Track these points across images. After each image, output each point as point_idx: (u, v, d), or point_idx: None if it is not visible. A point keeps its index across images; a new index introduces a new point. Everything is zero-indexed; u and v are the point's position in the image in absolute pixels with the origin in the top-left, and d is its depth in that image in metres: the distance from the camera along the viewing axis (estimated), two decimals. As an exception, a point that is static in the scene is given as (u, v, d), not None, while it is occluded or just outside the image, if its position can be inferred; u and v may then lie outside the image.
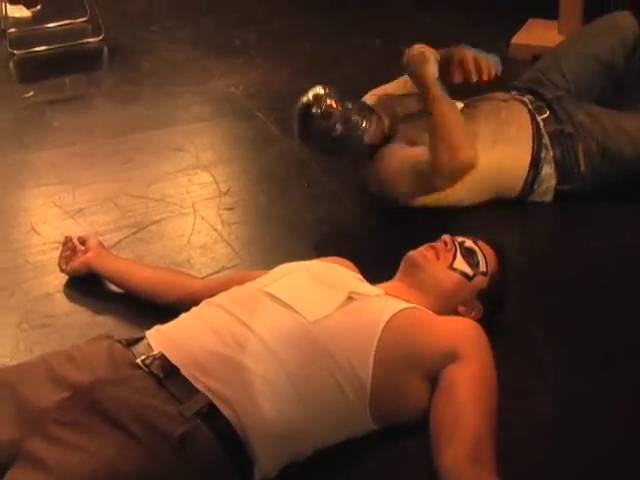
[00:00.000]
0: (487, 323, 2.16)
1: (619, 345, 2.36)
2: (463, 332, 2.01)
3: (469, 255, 2.27)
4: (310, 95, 2.88)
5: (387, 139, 3.00)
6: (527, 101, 3.12)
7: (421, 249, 2.28)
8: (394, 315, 1.98)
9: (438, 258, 2.25)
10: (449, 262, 2.24)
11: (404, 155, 2.93)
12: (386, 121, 3.01)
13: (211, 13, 5.41)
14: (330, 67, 4.42)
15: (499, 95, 3.14)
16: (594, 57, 3.22)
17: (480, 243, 2.32)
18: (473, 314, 2.23)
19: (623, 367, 2.28)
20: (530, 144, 3.01)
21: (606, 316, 2.47)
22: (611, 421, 2.09)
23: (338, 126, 2.86)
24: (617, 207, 2.99)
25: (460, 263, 2.25)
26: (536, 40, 4.44)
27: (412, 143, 2.95)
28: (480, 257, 2.28)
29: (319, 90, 2.89)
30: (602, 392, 2.19)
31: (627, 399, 2.17)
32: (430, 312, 2.11)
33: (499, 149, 2.96)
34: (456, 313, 2.22)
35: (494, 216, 2.63)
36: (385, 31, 4.84)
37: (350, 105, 2.89)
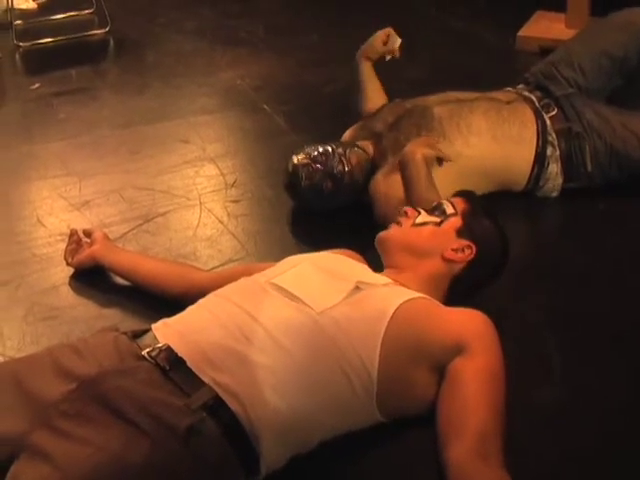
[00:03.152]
0: (501, 263, 2.25)
1: (625, 337, 2.36)
2: (471, 325, 2.00)
3: (433, 210, 2.30)
4: (288, 170, 2.96)
5: (375, 166, 2.99)
6: (534, 99, 3.10)
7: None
8: (401, 305, 1.97)
9: (401, 225, 2.29)
10: (411, 222, 2.28)
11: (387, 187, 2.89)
12: (367, 145, 3.01)
13: (217, 5, 5.40)
14: (337, 60, 4.41)
15: (503, 96, 3.10)
16: (607, 53, 3.18)
17: (448, 197, 2.36)
18: (467, 252, 2.22)
19: (629, 358, 2.28)
20: (534, 142, 3.00)
21: (612, 307, 2.47)
22: (617, 412, 2.09)
23: (325, 183, 2.92)
24: (623, 200, 2.99)
25: (423, 217, 2.28)
26: (543, 33, 4.43)
27: (399, 148, 2.90)
28: (445, 204, 2.30)
29: (292, 161, 2.95)
30: (607, 383, 2.18)
31: (633, 390, 2.16)
32: (438, 303, 2.11)
33: (501, 146, 2.95)
34: (449, 262, 2.21)
35: (500, 208, 2.60)
36: (391, 24, 4.81)
37: (324, 157, 2.92)
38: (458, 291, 2.25)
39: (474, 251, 2.23)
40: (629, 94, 3.25)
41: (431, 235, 2.25)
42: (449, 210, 2.29)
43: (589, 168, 3.02)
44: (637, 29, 3.20)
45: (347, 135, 3.17)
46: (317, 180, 2.91)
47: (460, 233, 2.25)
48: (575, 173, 3.04)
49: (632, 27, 3.20)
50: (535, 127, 3.01)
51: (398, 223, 2.31)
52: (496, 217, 2.36)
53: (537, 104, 3.08)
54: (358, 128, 3.17)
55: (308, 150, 2.97)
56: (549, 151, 3.01)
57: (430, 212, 2.30)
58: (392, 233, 2.30)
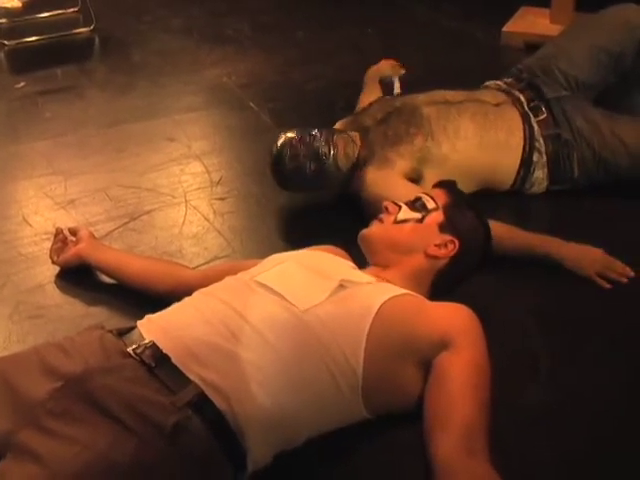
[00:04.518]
0: (484, 253, 2.26)
1: (614, 336, 2.37)
2: (456, 319, 2.00)
3: (414, 204, 2.30)
4: (275, 147, 2.94)
5: (361, 160, 2.98)
6: (523, 101, 3.08)
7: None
8: (385, 302, 1.97)
9: (383, 223, 2.29)
10: (393, 219, 2.27)
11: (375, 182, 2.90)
12: (355, 136, 3.01)
13: (203, 3, 5.40)
14: (323, 57, 4.43)
15: (492, 97, 3.08)
16: (604, 49, 3.15)
17: (428, 190, 2.36)
18: (450, 248, 2.23)
19: (618, 358, 2.29)
20: (520, 148, 3.00)
21: (599, 308, 2.48)
22: (604, 413, 2.09)
23: (309, 164, 2.90)
24: (609, 201, 2.98)
25: (404, 214, 2.28)
26: (528, 28, 4.45)
27: (389, 142, 2.93)
28: (425, 199, 2.30)
29: (281, 139, 2.94)
30: (594, 384, 2.19)
31: (620, 391, 2.17)
32: (423, 298, 2.11)
33: (487, 152, 2.95)
34: (432, 258, 2.22)
35: (486, 206, 2.60)
36: (379, 21, 4.85)
37: (312, 138, 2.92)
38: (442, 284, 2.25)
39: (457, 246, 2.23)
40: (621, 93, 3.25)
41: (413, 232, 2.25)
42: (430, 205, 2.28)
43: (576, 175, 3.04)
44: (632, 27, 3.17)
45: (337, 127, 3.17)
46: (301, 159, 2.90)
47: (442, 228, 2.25)
48: (561, 178, 3.05)
49: (627, 25, 3.18)
50: (522, 133, 3.00)
51: (379, 220, 2.31)
52: (478, 207, 2.36)
53: (526, 107, 3.07)
54: (347, 122, 3.17)
55: (297, 130, 2.96)
56: (535, 157, 3.01)
57: (411, 206, 2.30)
58: (374, 231, 2.30)
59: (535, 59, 3.27)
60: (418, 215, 2.27)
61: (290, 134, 2.94)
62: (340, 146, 2.94)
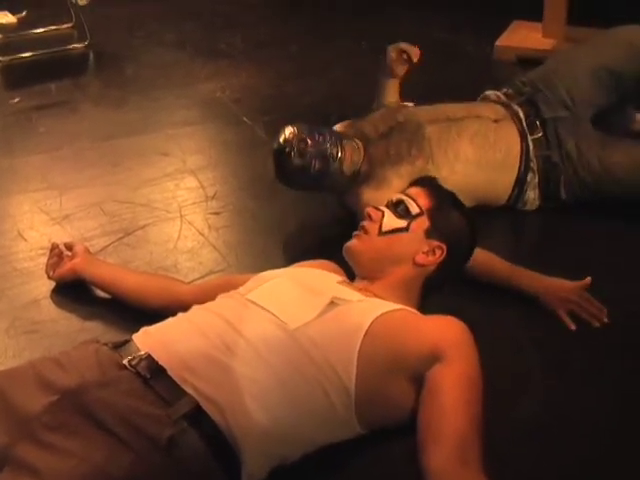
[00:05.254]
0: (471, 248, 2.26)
1: (604, 347, 2.38)
2: (447, 332, 2.00)
3: (396, 208, 2.27)
4: (282, 137, 2.87)
5: (362, 172, 2.96)
6: (522, 117, 3.08)
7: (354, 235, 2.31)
8: (376, 319, 1.96)
9: (367, 233, 2.26)
10: (377, 230, 2.25)
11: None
12: (360, 145, 2.97)
13: (197, 17, 5.41)
14: (317, 71, 4.44)
15: (492, 112, 3.08)
16: (607, 68, 3.14)
17: (409, 190, 2.33)
18: (438, 254, 2.22)
19: (608, 369, 2.30)
20: (516, 167, 3.01)
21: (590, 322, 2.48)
22: (599, 426, 2.10)
23: (315, 162, 2.85)
24: (597, 215, 2.99)
25: (388, 223, 2.25)
26: (520, 42, 4.47)
27: (390, 161, 2.92)
28: (408, 202, 2.26)
29: (289, 130, 2.87)
30: (588, 397, 2.20)
31: (612, 405, 2.18)
32: (414, 311, 2.11)
33: (484, 172, 2.95)
34: (421, 266, 2.21)
35: (480, 222, 2.62)
36: (371, 35, 4.85)
37: (322, 138, 2.87)
38: (432, 287, 2.26)
39: (445, 250, 2.23)
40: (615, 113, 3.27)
41: (400, 243, 2.23)
42: (414, 209, 2.25)
43: (564, 197, 3.06)
44: (636, 48, 3.16)
45: (337, 130, 3.12)
46: (308, 157, 2.84)
47: (429, 234, 2.23)
48: (551, 199, 3.07)
49: (632, 46, 3.17)
50: (519, 151, 3.01)
51: (363, 229, 2.27)
52: (461, 204, 2.35)
53: (524, 123, 3.07)
54: (347, 126, 3.14)
55: (305, 126, 2.90)
56: (529, 177, 3.03)
57: (394, 211, 2.27)
58: (359, 244, 2.27)
59: (538, 73, 3.25)
60: (403, 223, 2.24)
61: (298, 130, 2.87)
62: (348, 151, 2.91)
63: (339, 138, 2.92)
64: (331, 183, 2.94)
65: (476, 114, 3.06)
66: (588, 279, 2.50)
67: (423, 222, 2.24)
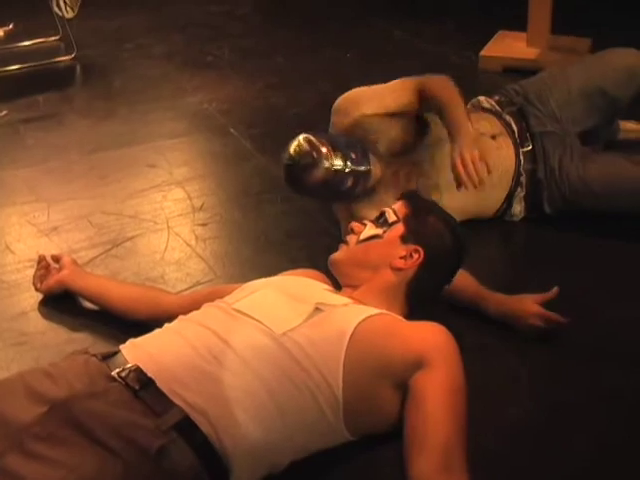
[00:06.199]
0: (458, 253, 2.27)
1: (595, 352, 2.39)
2: (430, 338, 2.01)
3: (378, 220, 2.33)
4: (316, 155, 2.71)
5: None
6: (515, 129, 3.08)
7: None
8: (360, 324, 1.99)
9: (348, 244, 2.33)
10: (356, 239, 2.31)
11: None
12: (378, 167, 2.90)
13: (184, 29, 5.42)
14: (304, 82, 4.45)
15: (489, 126, 3.05)
16: (601, 90, 3.13)
17: (393, 204, 2.37)
18: (415, 257, 2.25)
19: (599, 374, 2.31)
20: (508, 186, 3.03)
21: (579, 325, 2.47)
22: (588, 430, 2.11)
23: (348, 181, 2.78)
24: (587, 224, 3.00)
25: (366, 232, 2.31)
26: (506, 52, 4.49)
27: (392, 185, 2.91)
28: (387, 213, 2.32)
29: (324, 148, 2.72)
30: (578, 399, 2.21)
31: (603, 408, 2.19)
32: (399, 317, 2.13)
33: (480, 193, 2.86)
34: (399, 271, 2.24)
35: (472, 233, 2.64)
36: (358, 45, 4.88)
37: (354, 156, 2.77)
38: (419, 295, 2.28)
39: (422, 254, 2.25)
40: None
41: (376, 248, 2.28)
42: (391, 218, 2.31)
43: (547, 211, 3.07)
44: (632, 73, 3.15)
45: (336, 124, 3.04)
46: (344, 176, 2.75)
47: (404, 239, 2.28)
48: (535, 211, 3.09)
49: (628, 70, 3.16)
50: (514, 169, 3.03)
51: (345, 242, 2.35)
52: (440, 209, 2.39)
53: (517, 135, 3.07)
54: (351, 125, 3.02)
55: (346, 151, 2.77)
56: (517, 191, 3.05)
57: (375, 223, 2.33)
58: (339, 254, 2.34)
59: (533, 85, 3.23)
60: (379, 231, 2.30)
61: (331, 145, 2.73)
62: (376, 168, 2.86)
63: (365, 152, 2.84)
64: (354, 197, 2.89)
65: (475, 130, 2.99)
66: (555, 289, 2.49)
67: (399, 228, 2.29)
